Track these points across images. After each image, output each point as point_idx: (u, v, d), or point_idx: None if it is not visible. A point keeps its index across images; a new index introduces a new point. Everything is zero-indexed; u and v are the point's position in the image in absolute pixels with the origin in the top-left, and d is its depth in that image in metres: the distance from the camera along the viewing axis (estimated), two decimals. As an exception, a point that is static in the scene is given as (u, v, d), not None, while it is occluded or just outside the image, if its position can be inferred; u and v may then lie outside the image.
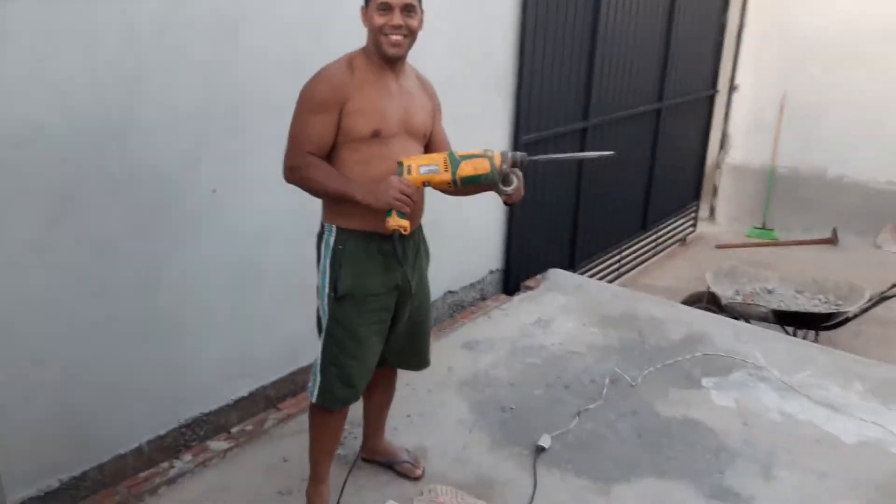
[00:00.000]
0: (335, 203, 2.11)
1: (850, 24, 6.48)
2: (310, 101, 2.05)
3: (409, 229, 2.03)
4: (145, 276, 2.54)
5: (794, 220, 7.07)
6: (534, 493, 2.56)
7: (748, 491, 2.61)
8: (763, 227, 7.18)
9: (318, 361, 2.22)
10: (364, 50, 2.12)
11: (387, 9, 2.01)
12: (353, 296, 2.13)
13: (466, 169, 2.02)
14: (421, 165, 2.03)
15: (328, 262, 2.15)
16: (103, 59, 2.26)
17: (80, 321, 2.38)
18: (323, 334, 2.21)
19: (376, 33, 2.04)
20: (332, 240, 2.14)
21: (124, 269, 2.46)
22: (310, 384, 2.25)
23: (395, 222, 2.01)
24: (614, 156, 2.24)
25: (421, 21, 2.09)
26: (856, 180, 6.76)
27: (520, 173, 2.08)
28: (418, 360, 2.48)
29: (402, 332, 2.33)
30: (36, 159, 2.16)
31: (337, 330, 2.16)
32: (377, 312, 2.20)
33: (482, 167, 2.02)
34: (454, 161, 2.03)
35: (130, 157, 2.39)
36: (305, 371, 3.18)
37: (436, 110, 2.30)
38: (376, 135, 2.06)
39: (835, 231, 6.75)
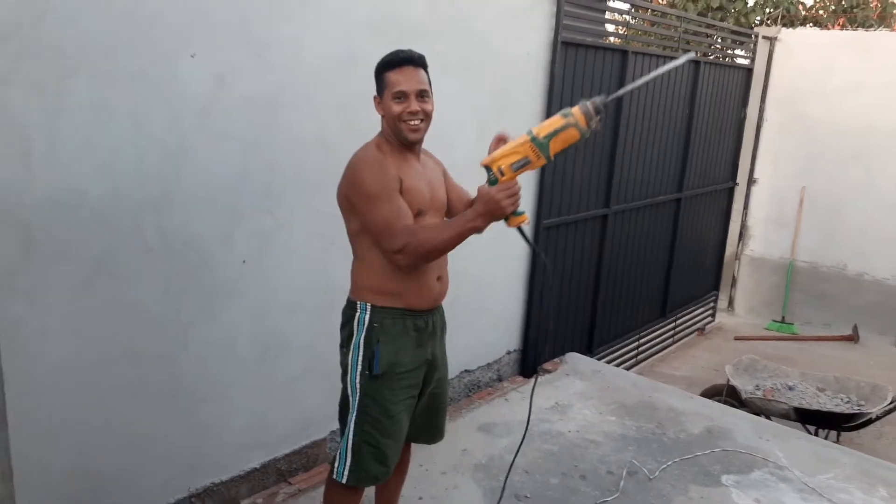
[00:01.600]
0: (369, 282, 2.14)
1: (866, 120, 6.57)
2: (380, 189, 2.05)
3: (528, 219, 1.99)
4: (171, 343, 2.57)
5: (814, 315, 7.01)
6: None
7: None
8: (783, 321, 7.10)
9: (350, 440, 2.17)
10: (383, 137, 2.17)
11: (402, 97, 2.08)
12: (388, 373, 2.14)
13: (556, 146, 1.95)
14: (511, 164, 1.98)
15: (362, 339, 2.15)
16: (148, 135, 2.37)
17: (103, 385, 2.40)
18: (354, 412, 2.17)
19: (395, 121, 2.10)
20: (366, 317, 2.15)
21: (151, 335, 2.50)
22: (337, 464, 2.19)
23: (516, 221, 2.03)
24: (692, 58, 2.08)
25: (433, 104, 2.15)
26: (876, 278, 6.72)
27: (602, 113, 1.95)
28: (434, 433, 2.46)
29: (423, 405, 2.33)
30: (76, 225, 2.24)
31: (371, 407, 2.15)
32: (408, 388, 2.20)
33: (571, 137, 1.94)
34: (541, 145, 1.94)
35: (166, 227, 2.47)
36: (318, 445, 3.15)
37: (445, 174, 2.38)
38: (420, 214, 2.13)
39: (855, 328, 6.66)
